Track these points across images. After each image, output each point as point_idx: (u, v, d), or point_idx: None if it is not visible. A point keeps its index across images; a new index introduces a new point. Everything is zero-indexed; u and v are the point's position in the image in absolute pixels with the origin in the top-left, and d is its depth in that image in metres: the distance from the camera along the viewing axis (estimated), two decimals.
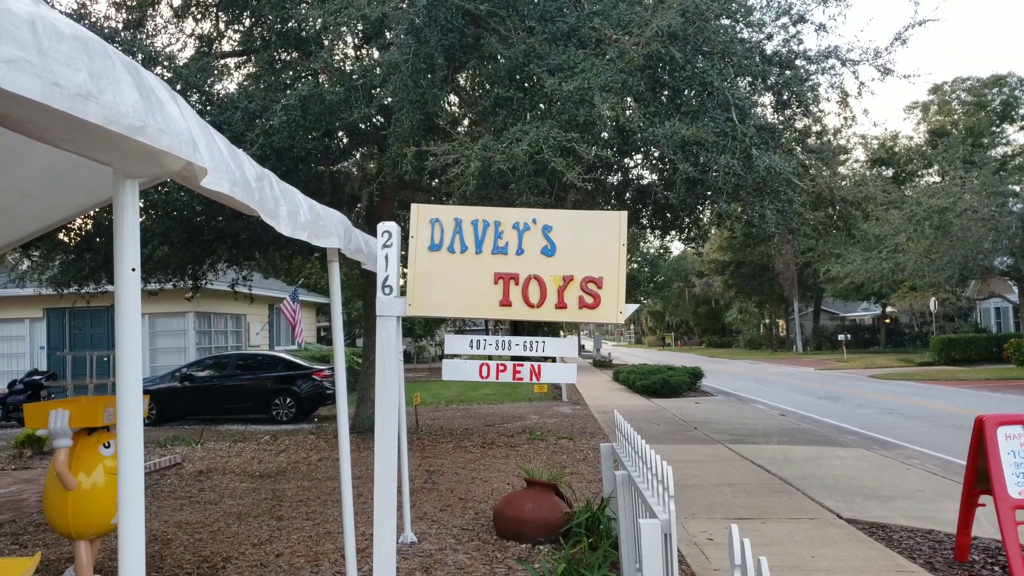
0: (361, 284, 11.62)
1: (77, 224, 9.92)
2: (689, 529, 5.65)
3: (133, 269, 1.66)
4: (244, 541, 5.64)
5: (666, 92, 7.89)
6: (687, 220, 10.31)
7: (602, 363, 33.14)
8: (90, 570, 4.33)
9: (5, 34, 1.14)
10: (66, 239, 10.31)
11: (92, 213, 9.26)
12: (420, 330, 34.29)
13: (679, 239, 11.13)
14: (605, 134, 6.75)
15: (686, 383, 18.32)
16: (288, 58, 9.16)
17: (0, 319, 19.20)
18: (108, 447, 4.40)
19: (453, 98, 9.57)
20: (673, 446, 9.81)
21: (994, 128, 37.70)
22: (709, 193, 7.65)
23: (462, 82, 9.31)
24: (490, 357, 10.84)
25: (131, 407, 1.66)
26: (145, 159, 1.64)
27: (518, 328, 20.78)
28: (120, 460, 1.65)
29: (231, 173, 2.11)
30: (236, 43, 10.12)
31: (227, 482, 8.10)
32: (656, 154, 8.15)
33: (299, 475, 8.40)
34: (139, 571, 1.67)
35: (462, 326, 35.98)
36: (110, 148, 1.53)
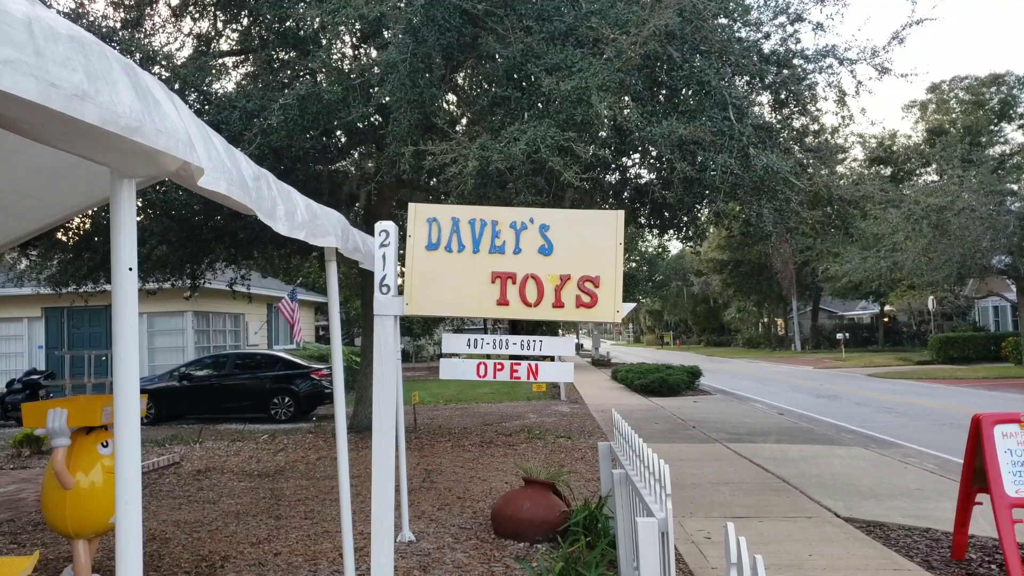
0: (359, 283, 11.64)
1: (75, 223, 9.91)
2: (687, 528, 5.66)
3: (130, 269, 1.66)
4: (242, 540, 5.65)
5: (663, 91, 7.90)
6: (685, 219, 10.33)
7: (600, 362, 33.16)
8: (88, 569, 4.34)
9: (1, 35, 1.15)
10: (64, 238, 10.31)
11: (90, 212, 9.26)
12: (419, 329, 34.29)
13: (677, 238, 11.14)
14: (603, 133, 6.76)
15: (684, 382, 18.34)
16: (286, 57, 9.16)
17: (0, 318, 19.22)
18: (106, 446, 4.40)
19: (451, 97, 9.57)
20: (671, 445, 9.82)
21: (992, 127, 37.75)
22: (707, 192, 7.66)
23: (460, 81, 9.32)
24: (488, 356, 10.84)
25: (129, 406, 1.66)
26: (142, 159, 1.64)
27: (516, 327, 20.80)
28: (118, 459, 1.66)
29: (228, 173, 2.11)
30: (234, 42, 10.12)
31: (225, 481, 8.10)
32: (654, 153, 8.16)
33: (297, 474, 8.41)
34: (136, 570, 1.68)
35: (460, 325, 35.98)
36: (107, 148, 1.53)
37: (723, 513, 6.12)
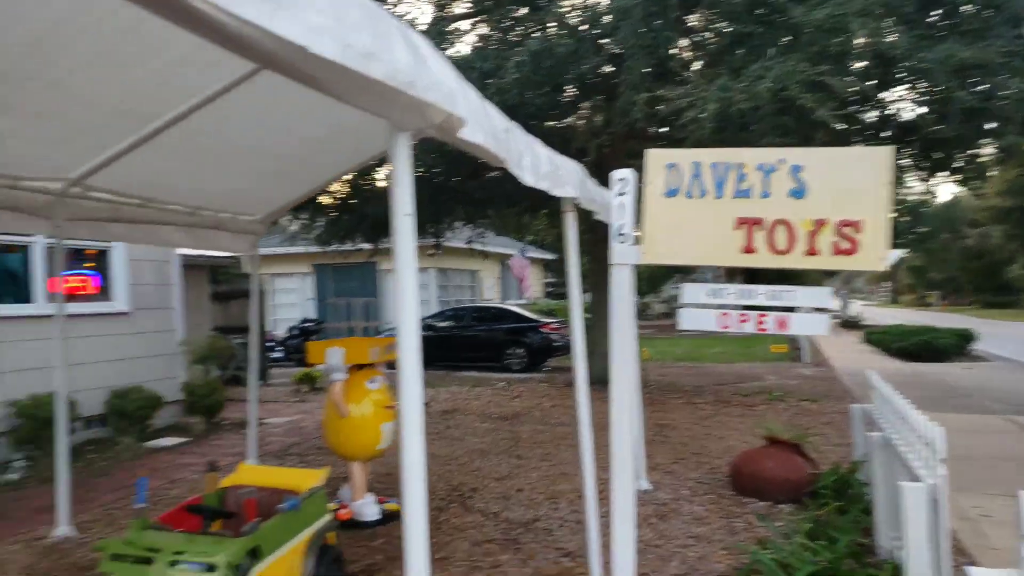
0: (587, 240, 11.74)
1: (335, 189, 11.18)
2: (959, 503, 5.02)
3: (407, 214, 1.82)
4: (487, 475, 6.12)
5: (938, 11, 6.79)
6: (961, 158, 8.85)
7: (850, 323, 30.27)
8: (364, 488, 4.98)
9: (310, 4, 1.30)
10: (328, 202, 11.68)
11: (347, 179, 10.35)
12: (645, 286, 33.98)
13: (950, 179, 9.58)
14: (864, 62, 5.99)
15: (953, 346, 16.11)
16: (519, 15, 9.34)
17: (279, 273, 22.52)
18: (373, 382, 4.98)
19: (683, 41, 9.13)
20: (935, 413, 8.65)
21: None
22: (994, 124, 6.50)
23: (694, 22, 8.82)
24: (731, 306, 10.41)
25: (410, 341, 1.86)
26: (413, 112, 1.78)
27: (755, 280, 19.71)
28: (402, 390, 1.86)
29: (484, 124, 2.22)
30: (469, 5, 10.52)
31: (469, 422, 8.81)
32: (924, 84, 7.08)
33: (533, 419, 8.87)
34: (420, 493, 1.87)
35: (687, 278, 35.00)
36: (387, 102, 1.68)
37: (1005, 490, 5.31)
